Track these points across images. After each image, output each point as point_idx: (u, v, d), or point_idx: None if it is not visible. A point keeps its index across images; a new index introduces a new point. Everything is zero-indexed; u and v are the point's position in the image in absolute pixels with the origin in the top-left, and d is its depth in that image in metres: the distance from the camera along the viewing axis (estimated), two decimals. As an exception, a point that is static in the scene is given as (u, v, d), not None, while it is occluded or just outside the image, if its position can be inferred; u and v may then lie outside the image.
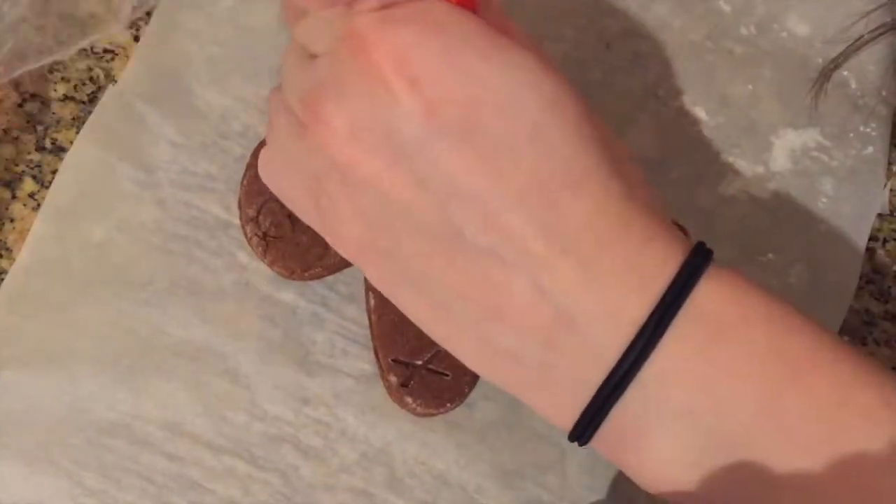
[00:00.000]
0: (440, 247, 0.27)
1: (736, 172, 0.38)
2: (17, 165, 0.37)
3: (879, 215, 0.38)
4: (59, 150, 0.37)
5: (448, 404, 0.34)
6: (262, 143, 0.36)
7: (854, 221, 0.37)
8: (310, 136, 0.27)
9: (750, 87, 0.38)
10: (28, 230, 0.36)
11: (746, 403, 0.26)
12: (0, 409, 0.34)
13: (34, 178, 0.37)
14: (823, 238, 0.37)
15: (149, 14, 0.38)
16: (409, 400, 0.34)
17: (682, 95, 0.38)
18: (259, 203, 0.35)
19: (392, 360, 0.34)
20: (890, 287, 0.37)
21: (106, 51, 0.38)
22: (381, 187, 0.26)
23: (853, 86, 0.38)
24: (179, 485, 0.34)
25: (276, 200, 0.35)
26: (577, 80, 0.38)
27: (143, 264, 0.36)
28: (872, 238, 0.37)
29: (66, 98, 0.37)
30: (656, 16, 0.39)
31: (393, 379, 0.34)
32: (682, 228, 0.33)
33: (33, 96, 0.37)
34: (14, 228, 0.36)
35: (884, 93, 0.38)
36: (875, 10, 0.34)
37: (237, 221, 0.36)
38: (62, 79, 0.37)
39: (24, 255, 0.35)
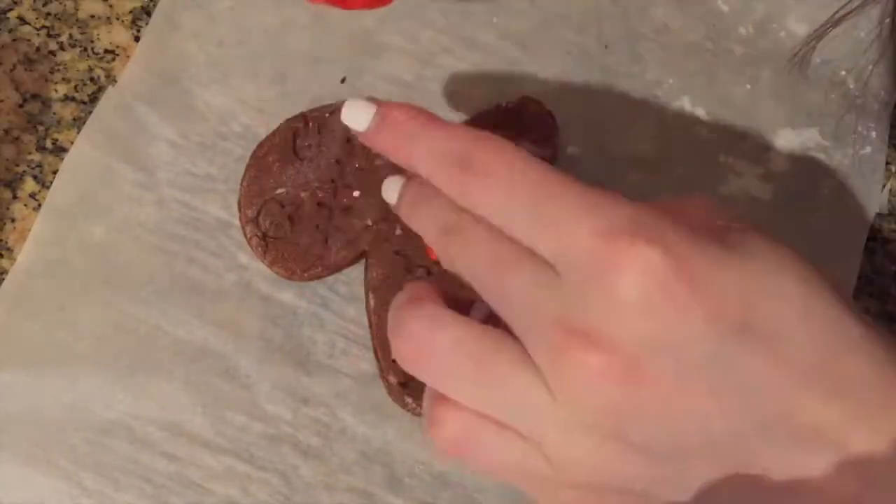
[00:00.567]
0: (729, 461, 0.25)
1: (736, 172, 0.38)
2: (17, 165, 0.37)
3: (878, 215, 0.38)
4: (59, 151, 0.37)
5: (447, 404, 0.34)
6: (262, 143, 0.36)
7: (853, 221, 0.37)
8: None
9: (749, 87, 0.38)
10: (29, 230, 0.36)
11: None
12: None
13: (35, 178, 0.37)
14: (822, 238, 0.37)
15: (149, 14, 0.38)
16: (409, 400, 0.34)
17: (682, 95, 0.38)
18: (259, 203, 0.35)
19: (392, 360, 0.34)
20: (889, 287, 0.37)
21: (106, 51, 0.38)
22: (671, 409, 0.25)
23: (852, 86, 0.38)
24: (179, 485, 0.34)
25: (276, 201, 0.36)
26: (577, 82, 0.38)
27: (142, 264, 0.36)
28: (871, 238, 0.37)
29: (66, 98, 0.37)
30: (655, 17, 0.39)
31: (393, 379, 0.34)
32: None
33: (34, 96, 0.37)
34: (15, 228, 0.36)
35: (883, 93, 0.38)
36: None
37: (237, 222, 0.36)
38: (63, 79, 0.37)
39: (25, 256, 0.35)
